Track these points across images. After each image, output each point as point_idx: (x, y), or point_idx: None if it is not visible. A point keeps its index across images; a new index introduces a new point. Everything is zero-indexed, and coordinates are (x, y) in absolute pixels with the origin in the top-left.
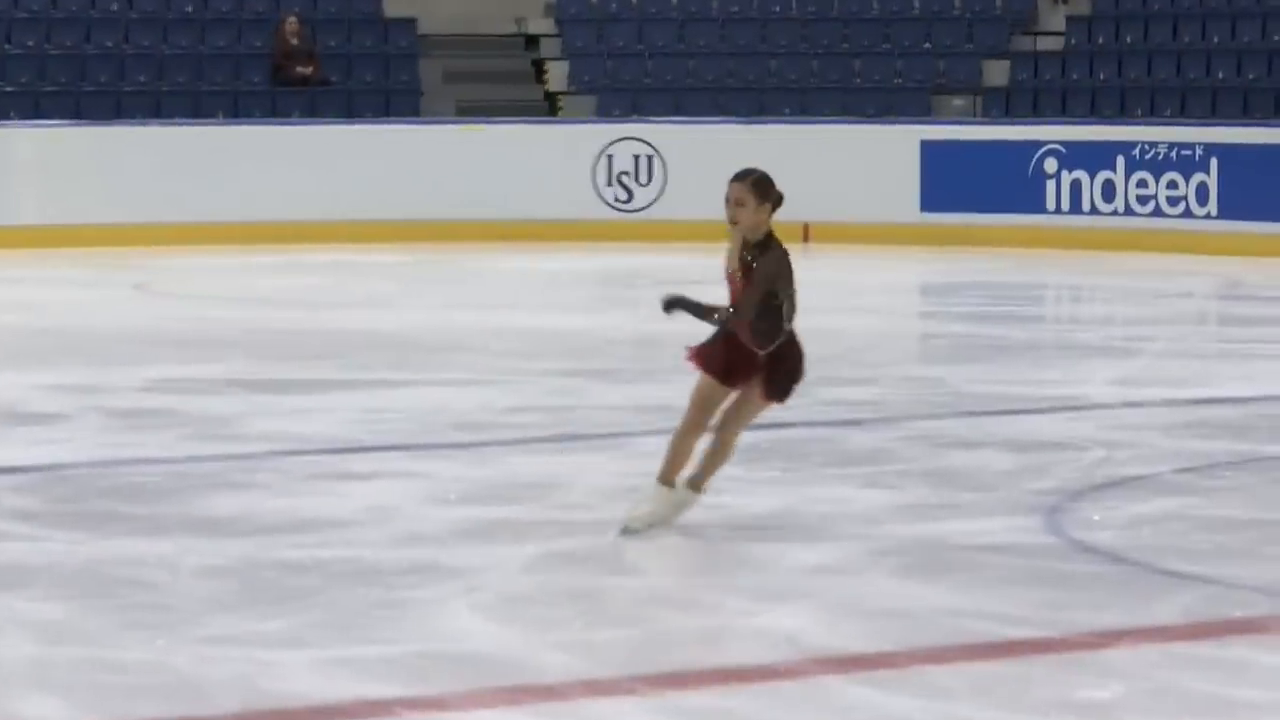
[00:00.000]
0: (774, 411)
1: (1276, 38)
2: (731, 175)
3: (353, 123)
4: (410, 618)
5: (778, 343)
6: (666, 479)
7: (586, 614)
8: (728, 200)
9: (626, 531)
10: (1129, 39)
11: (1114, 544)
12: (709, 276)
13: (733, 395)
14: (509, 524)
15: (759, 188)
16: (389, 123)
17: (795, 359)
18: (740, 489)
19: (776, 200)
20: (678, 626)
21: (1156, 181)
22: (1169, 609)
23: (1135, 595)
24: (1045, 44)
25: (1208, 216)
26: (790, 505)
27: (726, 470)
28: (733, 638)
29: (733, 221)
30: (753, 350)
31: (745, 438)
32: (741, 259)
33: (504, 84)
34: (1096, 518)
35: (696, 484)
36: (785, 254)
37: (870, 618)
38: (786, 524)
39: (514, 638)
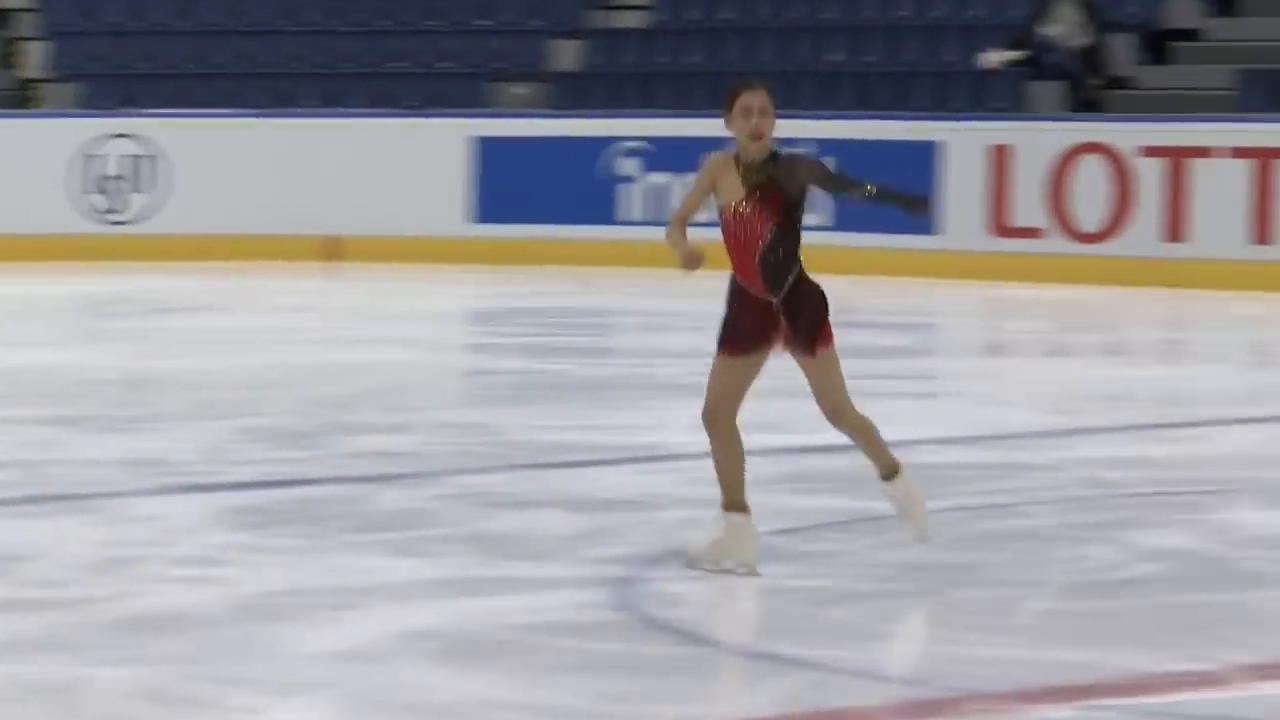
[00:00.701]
0: (286, 467)
1: (901, 13)
2: (740, 84)
3: None
4: None
5: (788, 284)
6: (725, 504)
7: (59, 714)
8: (750, 111)
9: (690, 564)
10: (725, 15)
11: (696, 622)
12: (218, 302)
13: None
14: None
15: (773, 95)
16: None
17: (815, 299)
18: (246, 559)
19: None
20: None
21: None
22: (761, 699)
23: (722, 683)
24: (625, 20)
25: (817, 227)
26: (305, 579)
27: (228, 539)
28: None
29: (757, 136)
30: (765, 301)
31: (253, 498)
32: (747, 182)
33: None
34: (675, 591)
35: (887, 473)
36: None
37: (400, 713)
38: (301, 601)
39: None
